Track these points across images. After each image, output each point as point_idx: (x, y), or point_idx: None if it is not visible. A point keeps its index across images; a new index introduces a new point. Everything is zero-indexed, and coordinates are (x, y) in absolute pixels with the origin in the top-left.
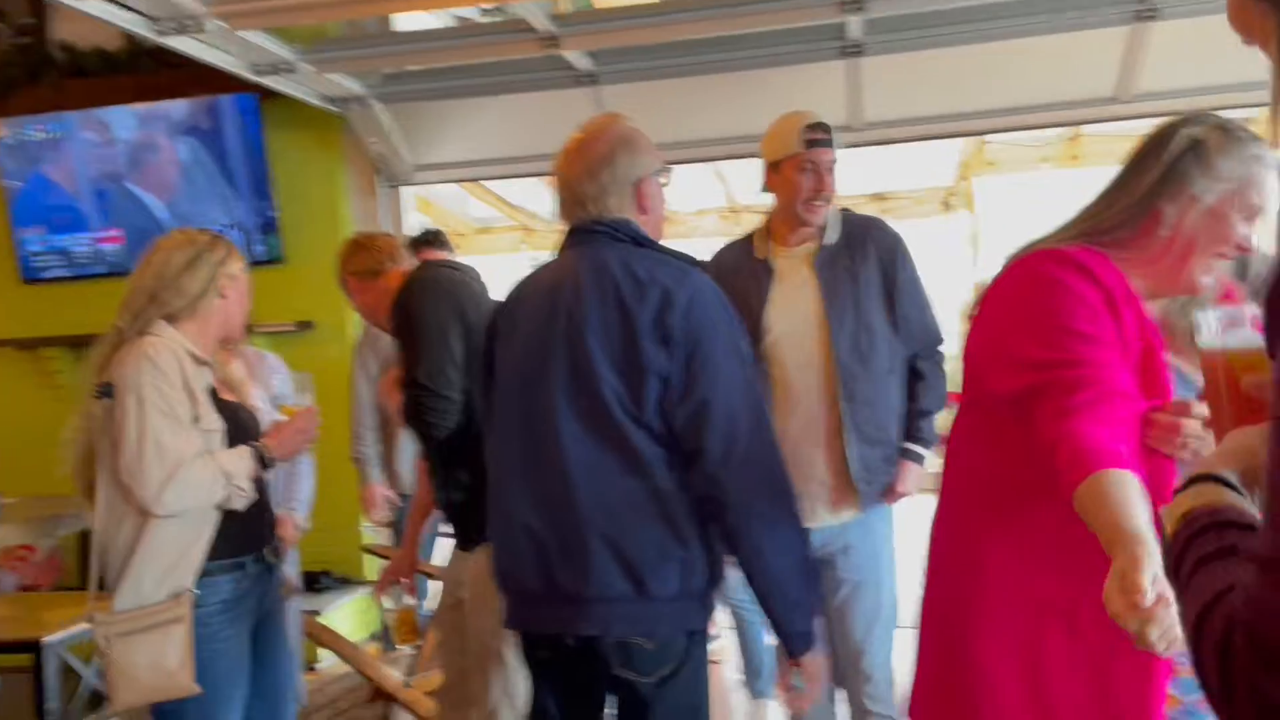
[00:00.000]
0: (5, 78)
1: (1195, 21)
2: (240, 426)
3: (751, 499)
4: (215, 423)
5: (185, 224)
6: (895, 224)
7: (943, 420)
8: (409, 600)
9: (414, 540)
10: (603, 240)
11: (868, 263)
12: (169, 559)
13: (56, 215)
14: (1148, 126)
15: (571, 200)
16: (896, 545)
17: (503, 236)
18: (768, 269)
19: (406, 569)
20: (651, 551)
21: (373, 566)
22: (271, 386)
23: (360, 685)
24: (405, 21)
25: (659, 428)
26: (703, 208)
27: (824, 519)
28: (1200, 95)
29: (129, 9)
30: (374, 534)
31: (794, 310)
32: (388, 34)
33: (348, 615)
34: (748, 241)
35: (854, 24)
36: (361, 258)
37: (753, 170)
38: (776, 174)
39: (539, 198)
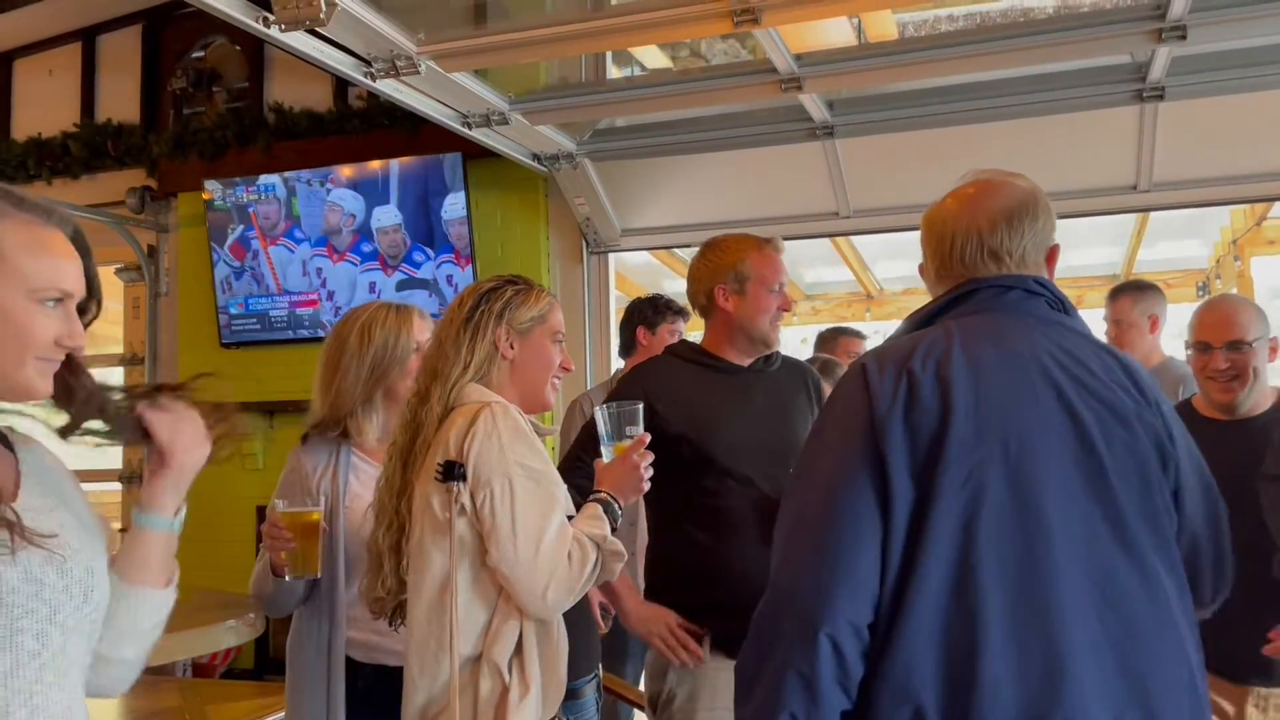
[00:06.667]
0: (217, 140)
1: None
2: None
3: None
4: None
5: (381, 291)
6: None
7: None
8: None
9: None
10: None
11: None
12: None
13: (256, 278)
14: None
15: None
16: None
17: None
18: None
19: None
20: None
21: None
22: None
23: None
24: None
25: None
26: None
27: None
28: None
29: (343, 49)
30: None
31: None
32: (605, 81)
33: None
34: None
35: (1159, 61)
36: None
37: None
38: None
39: None
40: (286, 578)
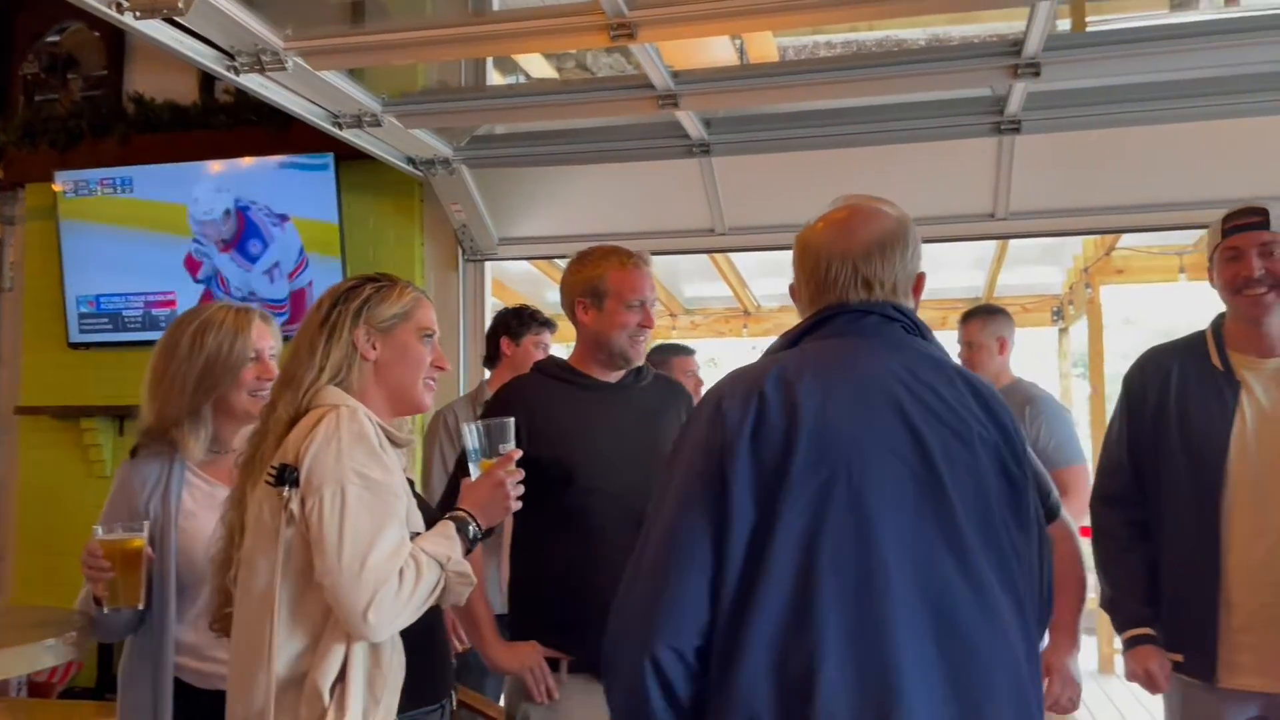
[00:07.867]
0: (70, 129)
1: None
2: None
3: None
4: None
5: (246, 291)
6: None
7: None
8: None
9: None
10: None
11: None
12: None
13: (109, 275)
14: None
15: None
16: None
17: None
18: (1230, 381)
19: None
20: None
21: None
22: None
23: None
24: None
25: None
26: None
27: None
28: None
29: (206, 42)
30: None
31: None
32: (481, 88)
33: None
34: (1198, 346)
35: (1016, 96)
36: None
37: None
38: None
39: None
40: (105, 610)
